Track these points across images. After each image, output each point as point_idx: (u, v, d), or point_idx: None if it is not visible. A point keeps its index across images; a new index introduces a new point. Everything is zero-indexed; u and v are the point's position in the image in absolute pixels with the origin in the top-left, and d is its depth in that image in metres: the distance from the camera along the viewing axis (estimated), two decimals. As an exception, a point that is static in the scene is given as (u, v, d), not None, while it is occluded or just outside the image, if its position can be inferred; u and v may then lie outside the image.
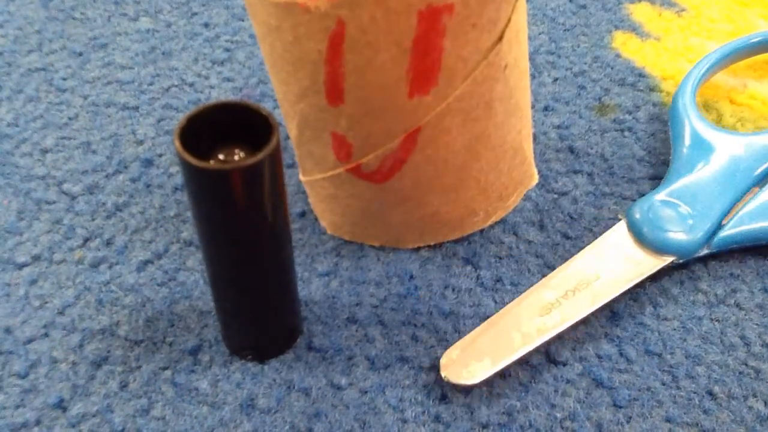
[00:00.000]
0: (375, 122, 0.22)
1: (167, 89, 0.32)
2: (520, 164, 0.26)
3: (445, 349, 0.24)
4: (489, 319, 0.24)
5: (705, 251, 0.26)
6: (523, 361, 0.24)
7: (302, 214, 0.28)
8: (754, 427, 0.23)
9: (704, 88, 0.32)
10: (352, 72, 0.21)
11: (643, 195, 0.28)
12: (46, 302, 0.25)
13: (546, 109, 0.32)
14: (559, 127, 0.31)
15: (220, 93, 0.32)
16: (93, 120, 0.31)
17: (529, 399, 0.23)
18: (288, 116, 0.24)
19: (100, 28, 0.35)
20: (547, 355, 0.24)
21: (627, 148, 0.30)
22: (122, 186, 0.29)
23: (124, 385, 0.24)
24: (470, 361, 0.23)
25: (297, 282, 0.25)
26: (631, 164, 0.29)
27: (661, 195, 0.27)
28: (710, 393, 0.24)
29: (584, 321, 0.25)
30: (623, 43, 0.34)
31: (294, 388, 0.24)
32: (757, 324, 0.25)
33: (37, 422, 0.23)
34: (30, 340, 0.24)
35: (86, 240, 0.27)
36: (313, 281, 0.26)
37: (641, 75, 0.33)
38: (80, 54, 0.34)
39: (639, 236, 0.26)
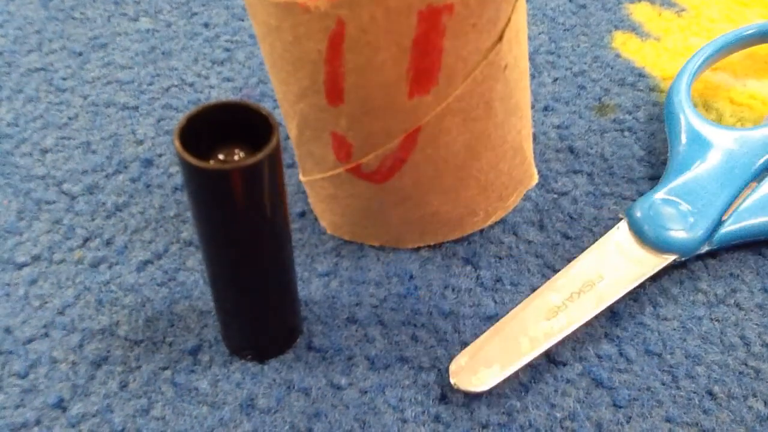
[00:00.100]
0: (375, 122, 0.22)
1: (167, 89, 0.32)
2: (520, 164, 0.26)
3: (445, 349, 0.24)
4: (495, 325, 0.24)
5: (706, 248, 0.26)
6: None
7: (302, 214, 0.28)
8: (754, 427, 0.23)
9: (704, 88, 0.32)
10: (352, 72, 0.21)
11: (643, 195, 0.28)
12: (46, 302, 0.25)
13: (546, 109, 0.32)
14: (559, 127, 0.31)
15: (220, 93, 0.32)
16: (93, 120, 0.31)
17: (529, 399, 0.23)
18: (288, 116, 0.24)
19: (99, 28, 0.35)
20: (547, 355, 0.24)
21: (627, 148, 0.30)
22: (122, 186, 0.29)
23: (124, 385, 0.24)
24: (479, 368, 0.23)
25: (297, 282, 0.25)
26: (631, 164, 0.29)
27: (661, 193, 0.27)
28: (710, 393, 0.24)
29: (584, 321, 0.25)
30: (623, 43, 0.34)
31: (294, 388, 0.24)
32: (757, 324, 0.25)
33: (37, 422, 0.23)
34: (30, 340, 0.24)
35: (86, 240, 0.27)
36: (313, 281, 0.26)
37: (641, 75, 0.33)
38: (80, 54, 0.34)
39: (641, 236, 0.26)
